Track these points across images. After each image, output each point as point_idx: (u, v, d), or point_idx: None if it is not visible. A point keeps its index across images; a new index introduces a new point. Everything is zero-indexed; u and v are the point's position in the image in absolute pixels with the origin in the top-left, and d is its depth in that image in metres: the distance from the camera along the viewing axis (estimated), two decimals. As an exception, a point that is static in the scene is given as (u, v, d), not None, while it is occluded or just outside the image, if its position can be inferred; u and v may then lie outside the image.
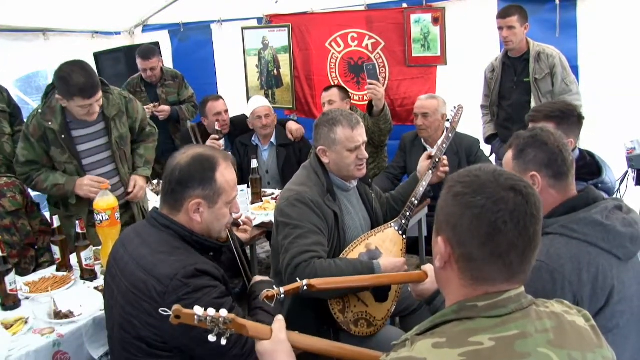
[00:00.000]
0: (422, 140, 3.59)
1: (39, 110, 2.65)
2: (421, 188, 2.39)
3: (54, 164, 2.74)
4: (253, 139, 3.94)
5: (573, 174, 1.58)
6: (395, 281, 1.96)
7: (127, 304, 1.56)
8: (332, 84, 4.55)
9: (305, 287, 1.56)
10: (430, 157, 2.48)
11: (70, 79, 2.50)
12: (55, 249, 2.36)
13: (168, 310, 1.26)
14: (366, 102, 3.79)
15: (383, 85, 4.26)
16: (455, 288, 1.04)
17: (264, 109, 3.86)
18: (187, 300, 1.45)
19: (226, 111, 3.98)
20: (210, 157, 1.65)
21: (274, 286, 1.56)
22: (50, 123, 2.62)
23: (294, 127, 3.95)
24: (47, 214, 2.91)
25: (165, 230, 1.63)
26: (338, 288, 1.83)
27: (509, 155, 1.65)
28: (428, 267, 1.68)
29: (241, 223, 2.17)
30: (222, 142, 3.67)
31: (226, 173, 1.65)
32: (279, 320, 1.36)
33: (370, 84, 3.49)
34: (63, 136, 2.65)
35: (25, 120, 3.73)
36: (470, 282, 1.02)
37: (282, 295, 1.51)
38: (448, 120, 2.56)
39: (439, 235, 1.06)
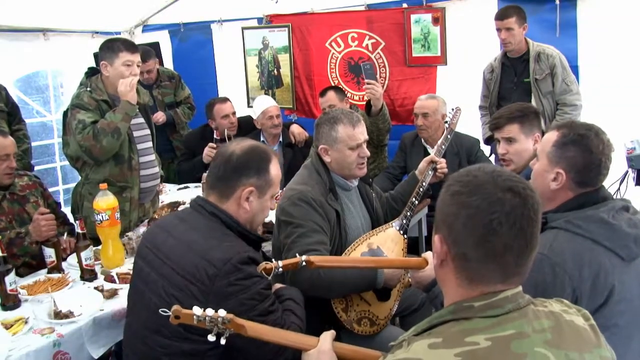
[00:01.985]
0: (422, 140, 3.59)
1: (87, 88, 2.78)
2: (422, 188, 2.40)
3: None
4: (262, 139, 3.93)
5: (599, 186, 1.55)
6: (394, 265, 1.98)
7: (171, 286, 1.55)
8: (332, 84, 4.55)
9: (303, 263, 1.57)
10: (432, 161, 2.49)
11: (114, 40, 2.86)
12: (50, 252, 2.34)
13: (168, 311, 1.27)
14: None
15: (383, 86, 4.26)
16: (452, 287, 1.05)
17: (276, 109, 3.91)
18: (236, 286, 1.48)
19: (234, 113, 4.00)
20: (266, 150, 1.74)
21: (273, 260, 1.56)
22: (101, 96, 2.78)
23: (296, 130, 3.96)
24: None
25: (212, 218, 1.65)
26: (336, 267, 1.86)
27: (552, 136, 1.57)
28: (428, 255, 1.67)
29: None
30: None
31: (276, 168, 1.73)
32: (329, 331, 1.39)
33: (369, 83, 3.49)
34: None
35: (23, 119, 3.76)
36: (466, 282, 1.02)
37: (280, 269, 1.53)
38: (446, 122, 2.56)
39: (436, 233, 1.06)
